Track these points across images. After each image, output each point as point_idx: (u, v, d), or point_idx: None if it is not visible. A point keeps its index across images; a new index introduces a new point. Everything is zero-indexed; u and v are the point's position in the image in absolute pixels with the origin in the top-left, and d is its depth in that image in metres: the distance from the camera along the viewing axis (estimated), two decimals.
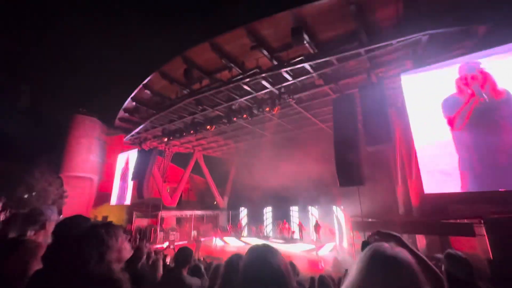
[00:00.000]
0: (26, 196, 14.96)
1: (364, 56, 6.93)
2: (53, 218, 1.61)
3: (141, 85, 10.00)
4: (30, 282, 1.11)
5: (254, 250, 1.01)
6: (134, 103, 11.33)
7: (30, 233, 1.50)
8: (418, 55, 6.86)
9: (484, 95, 5.63)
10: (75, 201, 17.06)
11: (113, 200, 17.09)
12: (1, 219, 2.34)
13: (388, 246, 0.79)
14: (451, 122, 5.96)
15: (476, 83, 5.76)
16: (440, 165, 6.01)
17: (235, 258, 1.52)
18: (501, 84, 5.45)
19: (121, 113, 12.58)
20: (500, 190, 5.25)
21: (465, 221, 7.64)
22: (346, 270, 4.61)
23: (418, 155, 6.46)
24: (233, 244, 15.88)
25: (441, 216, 8.62)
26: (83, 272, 0.96)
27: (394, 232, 1.06)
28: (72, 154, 18.10)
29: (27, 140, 24.90)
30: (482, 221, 7.34)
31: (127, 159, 16.47)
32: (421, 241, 9.39)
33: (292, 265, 3.45)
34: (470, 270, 1.69)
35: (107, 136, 19.86)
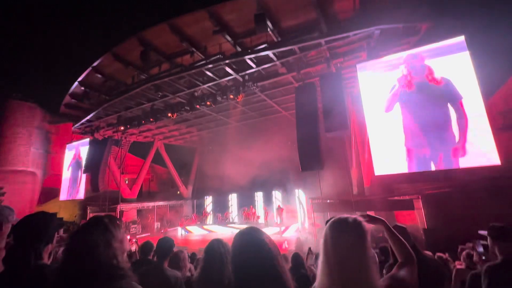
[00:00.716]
0: None
1: (324, 47, 7.23)
2: (11, 219, 1.43)
3: (90, 68, 9.03)
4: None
5: (246, 235, 1.00)
6: (82, 88, 10.21)
7: None
8: (371, 47, 7.40)
9: (406, 86, 6.51)
10: (15, 198, 15.04)
11: (63, 195, 15.55)
12: None
13: (344, 215, 1.00)
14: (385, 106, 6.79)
15: (409, 75, 6.55)
16: (387, 149, 6.72)
17: (215, 243, 1.54)
18: (438, 74, 6.23)
19: (67, 99, 11.27)
20: (431, 170, 6.11)
21: (407, 197, 8.78)
22: (310, 248, 4.99)
23: (370, 140, 7.11)
24: (198, 232, 15.86)
25: (388, 194, 9.76)
26: (91, 257, 0.94)
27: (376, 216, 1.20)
28: (8, 146, 15.74)
29: None
30: (419, 197, 8.52)
31: (78, 150, 14.99)
32: None
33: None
34: (408, 236, 2.00)
35: (50, 124, 17.64)
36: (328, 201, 10.91)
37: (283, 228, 13.56)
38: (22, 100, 16.78)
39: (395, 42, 7.36)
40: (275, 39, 7.11)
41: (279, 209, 14.70)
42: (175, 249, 2.51)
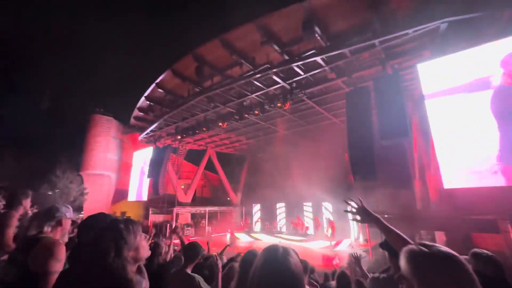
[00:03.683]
0: (49, 193, 15.75)
1: (378, 47, 6.67)
2: (69, 215, 1.66)
3: (154, 84, 10.19)
4: (57, 282, 1.06)
5: (270, 253, 0.91)
6: (148, 102, 11.58)
7: (47, 229, 1.53)
8: (436, 44, 6.53)
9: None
10: (95, 198, 17.76)
11: (131, 197, 17.66)
12: (30, 214, 2.46)
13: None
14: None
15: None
16: (462, 159, 5.75)
17: (249, 256, 1.48)
18: None
19: (136, 112, 12.92)
20: None
21: (490, 217, 7.30)
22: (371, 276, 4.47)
23: (437, 148, 6.20)
24: (245, 239, 16.00)
25: (463, 212, 8.27)
26: (100, 265, 0.92)
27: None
28: (91, 153, 18.82)
29: (49, 139, 26.15)
30: (508, 217, 6.99)
31: (144, 157, 16.92)
32: (440, 238, 9.06)
33: (305, 263, 3.39)
34: (499, 267, 1.62)
35: (123, 134, 20.47)
36: (386, 216, 9.84)
37: (333, 242, 12.72)
38: (102, 114, 19.89)
39: (466, 35, 6.34)
40: (323, 44, 6.89)
41: (330, 222, 13.87)
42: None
